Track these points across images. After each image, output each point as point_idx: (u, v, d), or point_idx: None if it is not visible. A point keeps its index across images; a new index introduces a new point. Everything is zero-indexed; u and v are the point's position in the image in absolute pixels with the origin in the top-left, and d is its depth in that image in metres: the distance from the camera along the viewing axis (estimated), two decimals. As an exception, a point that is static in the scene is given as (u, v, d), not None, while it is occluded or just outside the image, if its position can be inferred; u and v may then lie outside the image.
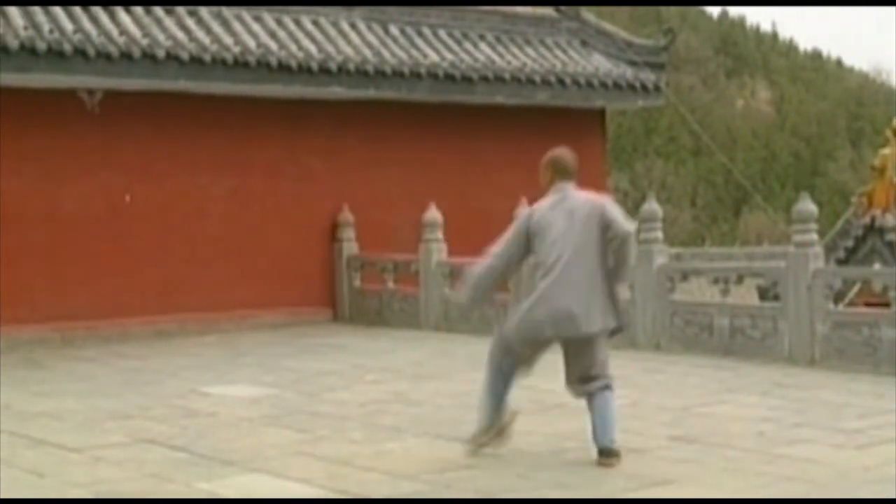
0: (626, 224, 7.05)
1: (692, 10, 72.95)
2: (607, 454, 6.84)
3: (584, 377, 7.00)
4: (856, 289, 15.58)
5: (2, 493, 6.46)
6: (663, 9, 65.50)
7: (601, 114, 18.58)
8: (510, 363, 7.13)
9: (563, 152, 7.26)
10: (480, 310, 7.32)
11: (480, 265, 7.28)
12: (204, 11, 15.36)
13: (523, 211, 7.23)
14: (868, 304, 13.72)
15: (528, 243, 7.05)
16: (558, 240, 6.89)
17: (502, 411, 7.20)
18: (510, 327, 7.12)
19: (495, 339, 7.25)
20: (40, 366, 12.39)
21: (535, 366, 7.26)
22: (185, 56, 14.38)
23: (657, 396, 9.36)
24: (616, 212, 7.04)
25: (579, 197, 7.10)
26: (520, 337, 7.04)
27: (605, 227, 6.93)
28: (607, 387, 6.99)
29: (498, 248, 7.19)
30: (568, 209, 6.98)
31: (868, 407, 8.69)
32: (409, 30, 17.04)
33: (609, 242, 6.94)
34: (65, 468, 7.18)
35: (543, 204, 7.09)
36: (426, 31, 17.17)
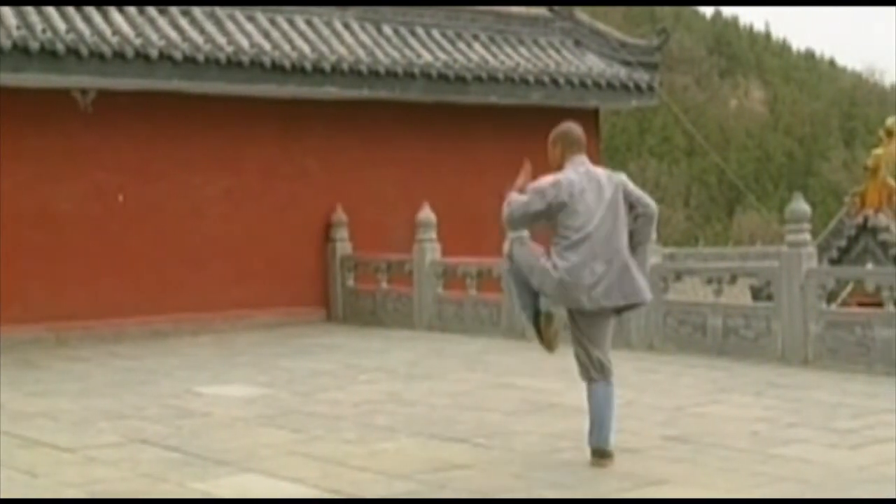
0: (651, 202, 7.04)
1: (686, 10, 73.06)
2: (601, 455, 6.83)
3: (597, 357, 6.85)
4: (849, 288, 15.61)
5: (-4, 494, 6.46)
6: (657, 9, 65.60)
7: (595, 114, 18.57)
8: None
9: (572, 125, 7.08)
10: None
11: (521, 215, 6.89)
12: (197, 11, 15.35)
13: (547, 179, 6.86)
14: (861, 304, 13.75)
15: (550, 211, 6.79)
16: (592, 214, 6.73)
17: (535, 302, 7.03)
18: (530, 273, 6.86)
19: (513, 260, 7.00)
20: (35, 366, 12.37)
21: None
22: (178, 56, 14.38)
23: (651, 396, 9.36)
24: (637, 189, 7.00)
25: (600, 171, 6.97)
26: (540, 290, 6.89)
27: (630, 205, 6.87)
28: (611, 382, 6.89)
29: (527, 201, 6.83)
30: (595, 182, 6.83)
31: (862, 407, 8.71)
32: (403, 30, 17.04)
33: (635, 220, 6.88)
34: (59, 468, 7.18)
35: (570, 175, 6.83)
36: (420, 31, 17.18)
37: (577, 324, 6.93)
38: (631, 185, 6.97)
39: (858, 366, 10.48)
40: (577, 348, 6.94)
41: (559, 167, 6.96)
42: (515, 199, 6.93)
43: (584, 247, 6.73)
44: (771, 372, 10.59)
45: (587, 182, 6.82)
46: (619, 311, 7.02)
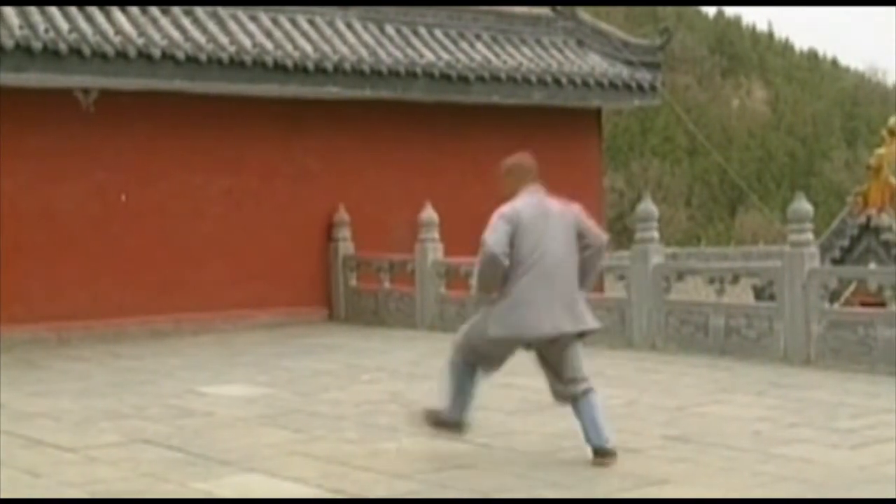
0: (601, 234, 7.26)
1: (688, 10, 73.01)
2: (603, 454, 6.84)
3: (569, 378, 6.98)
4: (851, 288, 15.61)
5: (-3, 493, 6.46)
6: (659, 8, 65.57)
7: (597, 113, 18.59)
8: (479, 365, 7.21)
9: (523, 157, 7.31)
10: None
11: (486, 261, 7.06)
12: (200, 11, 15.35)
13: (506, 208, 7.06)
14: (863, 304, 13.73)
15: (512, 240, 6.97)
16: (540, 240, 6.91)
17: (469, 409, 7.24)
18: (485, 329, 7.07)
19: (463, 342, 7.23)
20: (36, 366, 12.38)
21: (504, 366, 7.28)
22: (180, 55, 14.38)
23: (653, 396, 9.37)
24: (589, 221, 7.20)
25: (552, 201, 7.16)
26: (501, 338, 7.01)
27: (580, 235, 7.07)
28: (590, 389, 6.99)
29: (496, 241, 6.96)
30: (544, 211, 7.04)
31: (863, 407, 8.70)
32: (405, 29, 17.04)
33: (583, 251, 7.07)
34: (60, 468, 7.18)
35: (523, 203, 7.04)
36: (422, 30, 17.17)
37: (541, 356, 7.08)
38: (582, 217, 7.15)
39: (861, 365, 10.48)
40: (550, 379, 7.08)
41: (512, 196, 7.14)
42: (486, 241, 6.99)
43: (534, 272, 6.88)
44: (773, 372, 10.59)
45: (538, 211, 7.01)
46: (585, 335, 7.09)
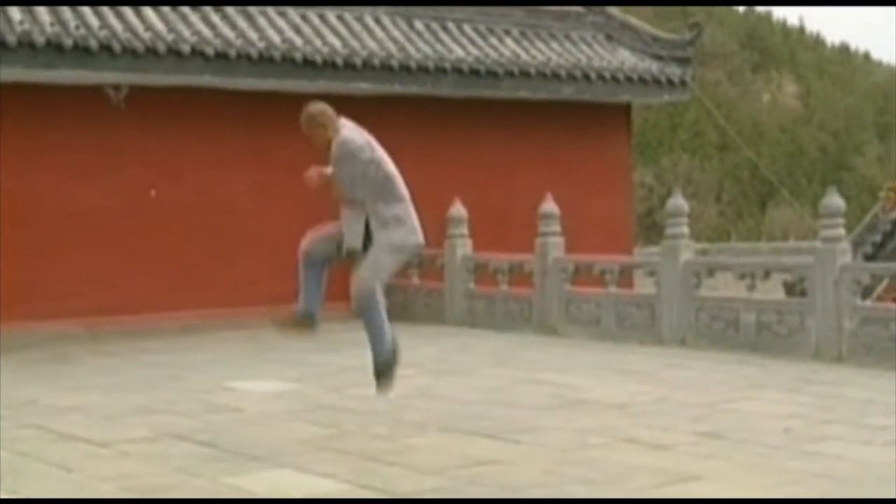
0: None
1: (718, 5, 72.63)
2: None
3: None
4: (884, 284, 15.49)
5: (31, 488, 6.49)
6: (688, 3, 65.23)
7: (626, 108, 18.53)
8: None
9: (320, 102, 7.92)
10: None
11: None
12: (229, 7, 15.39)
13: (349, 141, 7.59)
14: (896, 300, 13.64)
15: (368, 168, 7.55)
16: (385, 160, 7.68)
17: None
18: (399, 252, 7.90)
19: (378, 282, 7.93)
20: (66, 361, 12.45)
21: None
22: (210, 51, 14.42)
23: (683, 392, 9.32)
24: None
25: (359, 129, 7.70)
26: (396, 262, 7.83)
27: None
28: None
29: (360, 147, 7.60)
30: (368, 139, 7.66)
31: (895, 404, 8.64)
32: (434, 25, 17.03)
33: None
34: (92, 462, 7.21)
35: (350, 131, 7.58)
36: (451, 25, 17.16)
37: (393, 258, 7.75)
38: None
39: (893, 362, 10.38)
40: (386, 278, 7.83)
41: (325, 143, 7.71)
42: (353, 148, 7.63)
43: (399, 189, 7.88)
44: (804, 368, 10.52)
45: (367, 135, 7.70)
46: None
